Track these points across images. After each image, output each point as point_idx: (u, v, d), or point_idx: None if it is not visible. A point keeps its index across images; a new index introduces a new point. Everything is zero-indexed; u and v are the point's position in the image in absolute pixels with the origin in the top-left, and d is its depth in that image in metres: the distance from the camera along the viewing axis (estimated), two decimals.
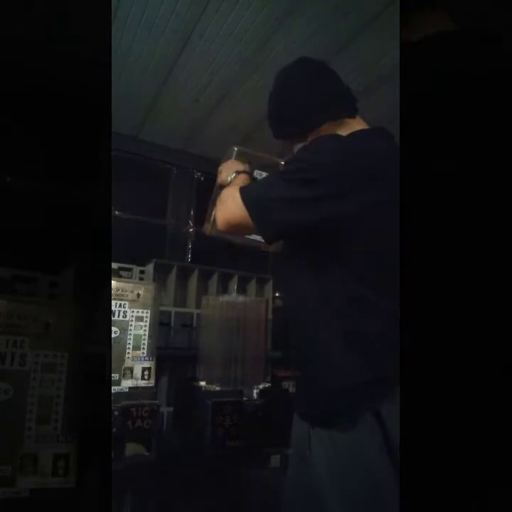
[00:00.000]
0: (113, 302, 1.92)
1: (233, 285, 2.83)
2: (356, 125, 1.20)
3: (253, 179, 1.37)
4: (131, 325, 1.96)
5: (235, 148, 1.45)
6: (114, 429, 1.69)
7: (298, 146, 1.22)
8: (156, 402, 1.90)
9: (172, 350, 2.49)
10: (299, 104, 1.23)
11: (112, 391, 1.76)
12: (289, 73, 1.29)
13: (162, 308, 2.33)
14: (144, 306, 2.01)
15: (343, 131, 1.17)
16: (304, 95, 1.22)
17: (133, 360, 1.95)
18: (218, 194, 1.31)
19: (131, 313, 1.97)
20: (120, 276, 2.39)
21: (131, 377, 1.93)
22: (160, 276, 2.67)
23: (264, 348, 2.29)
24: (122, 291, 1.97)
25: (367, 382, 0.99)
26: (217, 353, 2.17)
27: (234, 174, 1.31)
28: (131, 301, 1.98)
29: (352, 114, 1.22)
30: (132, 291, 2.00)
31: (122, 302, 1.96)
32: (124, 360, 1.93)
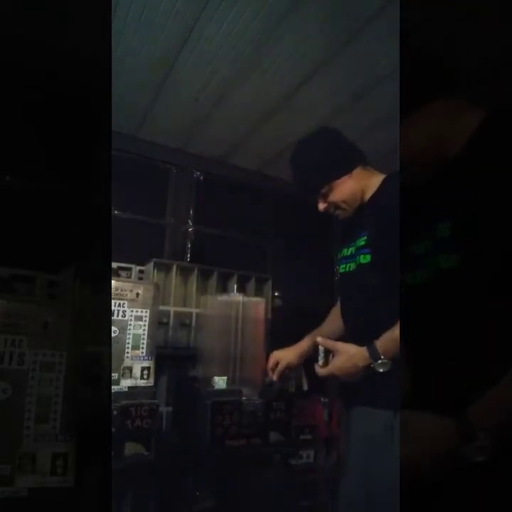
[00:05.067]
0: (112, 301, 1.91)
1: (233, 284, 2.83)
2: (370, 173, 1.58)
3: None
4: (130, 324, 1.96)
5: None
6: (113, 429, 1.69)
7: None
8: (155, 401, 1.90)
9: (171, 350, 2.49)
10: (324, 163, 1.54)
11: (112, 390, 1.76)
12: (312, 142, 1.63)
13: (161, 307, 2.33)
14: (143, 306, 2.00)
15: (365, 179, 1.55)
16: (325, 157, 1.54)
17: (132, 359, 1.95)
18: None
19: (131, 312, 1.97)
20: (119, 275, 2.39)
21: (131, 376, 1.92)
22: (159, 276, 2.66)
23: (263, 347, 2.28)
24: (121, 290, 1.96)
25: None
26: (216, 353, 2.17)
27: None
28: (131, 300, 1.98)
29: (364, 163, 1.59)
30: (131, 291, 1.99)
31: (121, 301, 1.95)
32: (123, 360, 1.92)
